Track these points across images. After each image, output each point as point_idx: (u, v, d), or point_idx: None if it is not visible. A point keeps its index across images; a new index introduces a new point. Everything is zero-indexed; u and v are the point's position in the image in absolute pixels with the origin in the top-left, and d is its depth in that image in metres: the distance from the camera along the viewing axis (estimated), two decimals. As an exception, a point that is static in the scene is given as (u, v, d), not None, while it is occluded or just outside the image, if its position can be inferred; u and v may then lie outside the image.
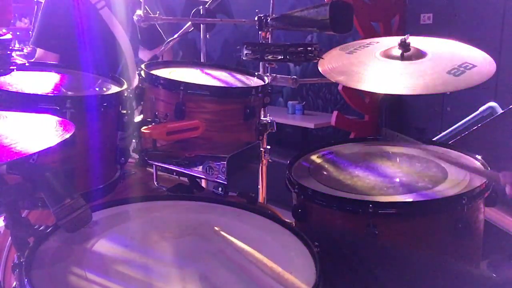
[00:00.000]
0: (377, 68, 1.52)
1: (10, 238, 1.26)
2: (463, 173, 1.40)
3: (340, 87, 3.89)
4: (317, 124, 4.35)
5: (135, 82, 1.49)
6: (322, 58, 1.60)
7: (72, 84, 1.42)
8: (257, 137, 1.54)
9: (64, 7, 2.32)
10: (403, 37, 1.52)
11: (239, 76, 1.62)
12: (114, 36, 2.38)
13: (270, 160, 1.91)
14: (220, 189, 1.32)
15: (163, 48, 2.21)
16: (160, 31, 2.56)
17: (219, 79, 1.54)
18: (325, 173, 1.49)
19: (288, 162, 1.53)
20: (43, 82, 1.34)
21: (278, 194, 1.65)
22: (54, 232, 1.02)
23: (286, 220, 1.19)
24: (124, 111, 1.34)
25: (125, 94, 1.35)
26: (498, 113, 2.26)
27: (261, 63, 1.81)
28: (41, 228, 1.01)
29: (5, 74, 1.21)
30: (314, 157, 1.61)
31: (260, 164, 1.93)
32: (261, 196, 2.04)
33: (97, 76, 1.50)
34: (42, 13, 2.36)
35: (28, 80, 1.33)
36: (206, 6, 1.95)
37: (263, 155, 1.82)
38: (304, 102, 4.79)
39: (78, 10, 2.30)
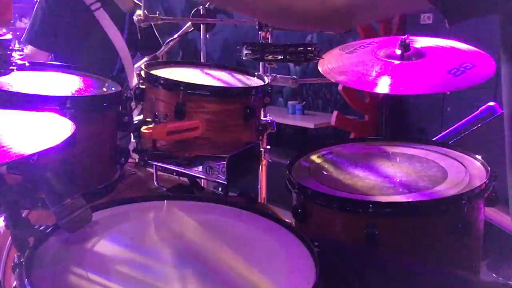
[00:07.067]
0: (377, 68, 1.52)
1: (10, 238, 1.26)
2: (463, 173, 1.40)
3: (340, 87, 3.89)
4: (317, 124, 4.35)
5: (133, 82, 1.49)
6: (322, 58, 1.60)
7: (72, 84, 1.42)
8: (257, 137, 1.54)
9: (57, 7, 2.33)
10: (403, 37, 1.53)
11: (239, 76, 1.62)
12: (108, 37, 2.38)
13: (270, 160, 1.91)
14: (220, 189, 1.32)
15: (163, 48, 2.21)
16: (158, 37, 2.57)
17: (219, 79, 1.54)
18: (325, 173, 1.49)
19: (288, 162, 1.53)
20: (43, 82, 1.34)
21: (278, 194, 1.65)
22: (54, 232, 1.02)
23: (286, 220, 1.19)
24: (124, 111, 1.34)
25: (125, 94, 1.35)
26: (498, 113, 2.25)
27: (261, 63, 1.80)
28: (41, 228, 1.00)
29: (5, 74, 1.21)
30: (314, 157, 1.60)
31: (260, 164, 1.93)
32: (261, 196, 2.04)
33: (97, 76, 1.50)
34: (35, 12, 2.37)
35: (28, 80, 1.32)
36: (206, 6, 1.95)
37: (263, 155, 1.82)
38: (304, 102, 4.79)
39: (72, 10, 2.32)
